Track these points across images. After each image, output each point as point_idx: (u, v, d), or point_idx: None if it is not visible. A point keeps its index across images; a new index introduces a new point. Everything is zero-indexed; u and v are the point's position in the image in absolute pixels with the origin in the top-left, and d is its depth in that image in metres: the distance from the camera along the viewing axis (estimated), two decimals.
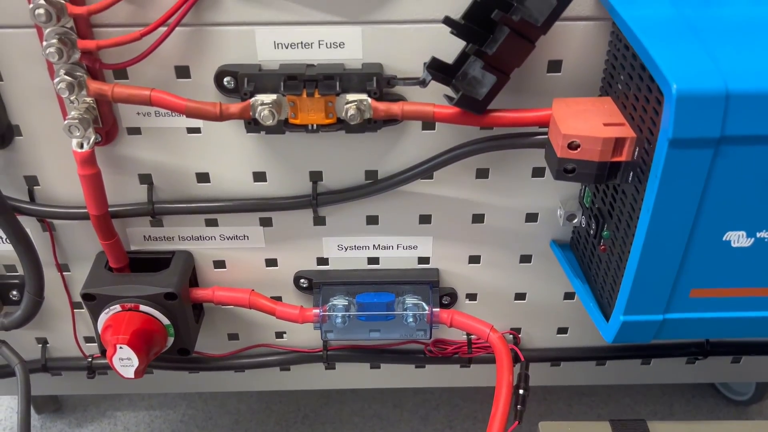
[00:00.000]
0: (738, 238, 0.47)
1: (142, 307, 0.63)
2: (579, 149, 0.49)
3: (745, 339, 0.76)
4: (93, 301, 0.63)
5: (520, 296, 0.72)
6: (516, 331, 0.75)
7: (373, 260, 0.69)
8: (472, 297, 0.72)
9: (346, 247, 0.68)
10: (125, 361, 0.62)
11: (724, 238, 0.47)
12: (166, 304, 0.63)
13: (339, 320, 0.67)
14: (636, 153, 0.48)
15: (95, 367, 0.75)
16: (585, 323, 0.72)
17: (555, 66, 0.56)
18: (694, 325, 0.52)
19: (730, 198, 0.45)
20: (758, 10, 0.49)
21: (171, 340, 0.65)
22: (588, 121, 0.50)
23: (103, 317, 0.63)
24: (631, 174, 0.49)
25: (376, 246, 0.68)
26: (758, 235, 0.47)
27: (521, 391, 0.63)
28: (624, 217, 0.51)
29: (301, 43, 0.55)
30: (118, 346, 0.61)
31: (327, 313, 0.67)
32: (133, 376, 0.62)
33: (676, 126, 0.42)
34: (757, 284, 0.49)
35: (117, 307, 0.63)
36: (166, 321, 0.64)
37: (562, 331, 0.75)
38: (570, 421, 0.65)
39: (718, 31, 0.46)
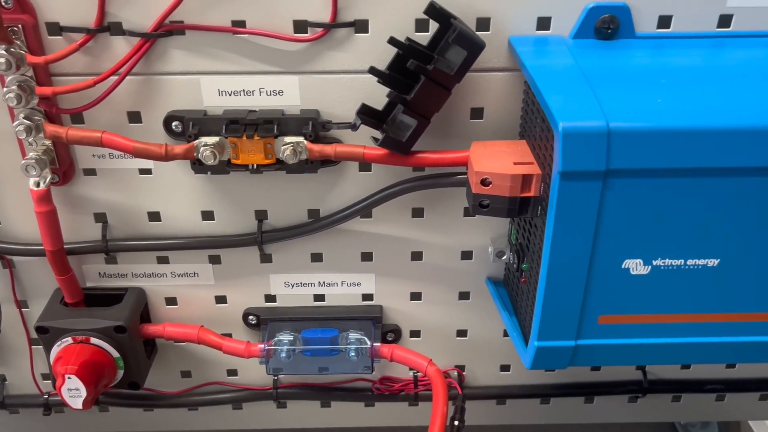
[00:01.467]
0: (636, 266, 0.51)
1: (93, 340, 0.65)
2: (491, 185, 0.53)
3: (683, 377, 0.78)
4: (46, 334, 0.66)
5: (461, 333, 0.75)
6: (460, 368, 0.77)
7: (319, 297, 0.72)
8: (415, 334, 0.75)
9: (292, 284, 0.71)
10: (73, 391, 0.64)
11: (623, 266, 0.51)
12: (116, 337, 0.66)
13: (284, 354, 0.70)
14: (542, 189, 0.52)
15: (51, 403, 0.77)
16: None
17: (477, 113, 0.61)
18: (605, 351, 0.55)
19: (624, 228, 0.49)
20: (650, 61, 0.54)
21: (121, 373, 0.68)
22: (500, 161, 0.54)
23: (56, 350, 0.66)
24: (539, 208, 0.53)
25: (322, 283, 0.71)
26: (654, 263, 0.51)
27: (456, 423, 0.66)
28: (536, 249, 0.55)
29: (244, 90, 0.60)
30: (66, 376, 0.63)
31: (272, 347, 0.70)
32: (81, 407, 0.64)
33: (564, 160, 0.46)
34: (657, 311, 0.53)
35: (69, 340, 0.66)
36: (116, 354, 0.66)
37: (505, 368, 0.78)
38: None
39: (608, 78, 0.51)
